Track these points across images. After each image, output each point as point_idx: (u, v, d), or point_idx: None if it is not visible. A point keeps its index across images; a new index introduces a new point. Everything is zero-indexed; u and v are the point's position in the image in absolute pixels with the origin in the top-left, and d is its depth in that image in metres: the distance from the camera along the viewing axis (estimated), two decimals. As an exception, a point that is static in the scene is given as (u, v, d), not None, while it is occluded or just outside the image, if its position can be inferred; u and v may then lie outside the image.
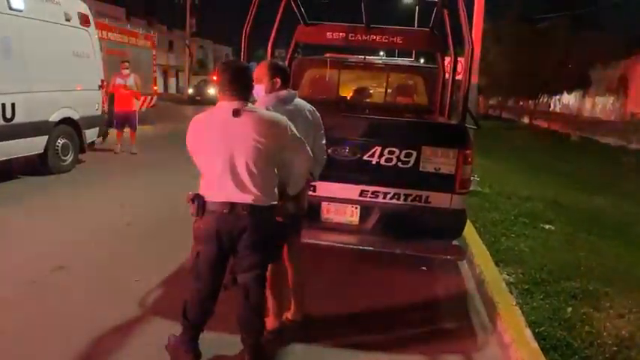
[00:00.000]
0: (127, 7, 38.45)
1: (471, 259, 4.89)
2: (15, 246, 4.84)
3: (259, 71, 3.14)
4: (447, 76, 5.53)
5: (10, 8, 6.97)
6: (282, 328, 3.34)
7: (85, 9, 8.79)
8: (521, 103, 30.75)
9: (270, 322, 3.29)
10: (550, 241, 5.45)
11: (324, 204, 4.18)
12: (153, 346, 3.08)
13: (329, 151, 3.98)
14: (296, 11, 5.30)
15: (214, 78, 18.36)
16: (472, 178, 8.33)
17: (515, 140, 18.77)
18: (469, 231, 5.68)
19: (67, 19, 8.15)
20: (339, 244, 4.05)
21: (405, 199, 4.07)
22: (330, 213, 4.20)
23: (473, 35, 7.79)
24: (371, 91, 6.37)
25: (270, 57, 5.05)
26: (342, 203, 4.18)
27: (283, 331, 3.31)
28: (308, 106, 3.26)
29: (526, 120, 28.65)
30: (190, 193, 2.75)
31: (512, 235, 5.58)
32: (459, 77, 11.50)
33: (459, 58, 10.67)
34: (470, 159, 4.02)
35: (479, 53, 7.96)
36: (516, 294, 3.97)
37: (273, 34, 5.11)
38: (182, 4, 37.47)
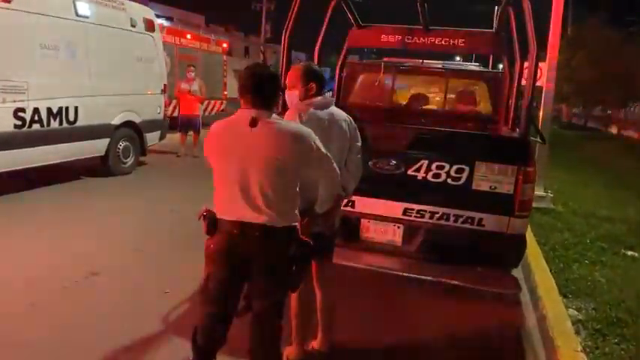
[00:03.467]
0: (207, 14, 40.04)
1: (533, 288, 4.34)
2: (54, 248, 4.87)
3: (292, 76, 2.87)
4: (522, 82, 4.98)
5: (77, 15, 7.21)
6: (307, 359, 3.02)
7: (150, 15, 8.99)
8: (608, 111, 28.53)
9: (294, 351, 3.01)
10: (632, 271, 4.75)
11: (363, 221, 3.83)
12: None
13: (370, 163, 3.66)
14: (347, 13, 4.99)
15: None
16: (546, 193, 7.65)
17: (599, 152, 17.27)
18: (534, 254, 5.10)
19: (132, 25, 8.34)
20: (377, 269, 3.67)
21: (454, 221, 3.63)
22: (370, 232, 3.85)
23: (550, 38, 7.17)
24: (428, 98, 5.92)
25: (317, 62, 4.78)
26: (383, 222, 3.81)
27: (307, 363, 2.99)
28: (344, 115, 2.94)
29: (614, 130, 26.50)
30: (204, 208, 2.52)
31: (586, 262, 4.94)
32: (536, 84, 10.65)
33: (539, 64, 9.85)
34: (532, 177, 3.52)
35: (556, 57, 7.24)
36: (584, 335, 3.41)
37: (320, 38, 4.83)
38: (258, 11, 38.35)
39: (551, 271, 4.67)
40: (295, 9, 3.92)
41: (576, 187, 9.24)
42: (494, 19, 4.91)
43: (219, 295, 2.50)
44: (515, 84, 4.37)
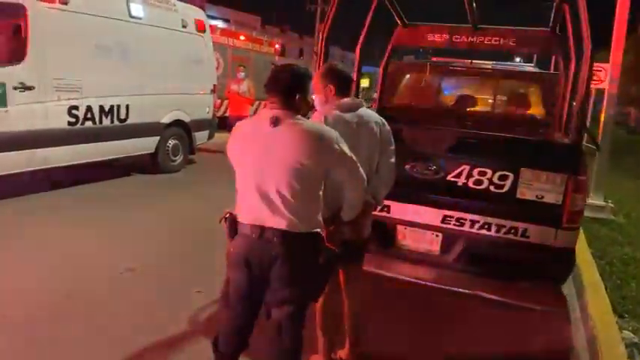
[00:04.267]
0: (263, 15, 40.65)
1: (584, 306, 4.02)
2: (97, 241, 5.00)
3: (314, 80, 2.77)
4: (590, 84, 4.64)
5: (130, 16, 7.43)
6: (332, 369, 2.91)
7: (201, 16, 9.15)
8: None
9: (319, 360, 2.89)
10: (699, 292, 4.33)
11: (399, 227, 3.67)
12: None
13: (407, 167, 3.50)
14: (392, 12, 4.83)
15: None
16: (605, 203, 7.16)
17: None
18: (589, 269, 4.75)
19: (184, 26, 8.50)
20: (412, 279, 3.48)
21: (496, 231, 3.40)
22: (407, 239, 3.68)
23: (615, 37, 6.70)
24: (476, 100, 5.64)
25: (358, 62, 4.65)
26: (421, 229, 3.63)
27: (332, 374, 2.88)
28: (376, 117, 2.80)
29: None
30: (226, 211, 2.45)
31: (648, 280, 4.55)
32: (598, 86, 10.07)
33: (601, 65, 9.33)
34: (583, 187, 3.24)
35: (620, 57, 6.76)
36: (639, 361, 3.11)
37: (361, 38, 4.69)
38: (313, 12, 38.51)
39: (606, 288, 4.33)
40: (333, 9, 3.81)
41: (642, 197, 8.63)
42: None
43: (239, 300, 2.43)
44: (570, 86, 4.06)
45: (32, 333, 3.22)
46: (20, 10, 5.90)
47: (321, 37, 3.81)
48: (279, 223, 2.25)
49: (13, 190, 6.33)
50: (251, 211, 2.30)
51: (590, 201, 7.24)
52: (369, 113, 2.79)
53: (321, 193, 2.35)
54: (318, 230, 2.36)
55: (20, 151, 6.01)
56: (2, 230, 5.12)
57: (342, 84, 2.71)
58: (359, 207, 2.52)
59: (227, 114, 11.87)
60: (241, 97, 10.45)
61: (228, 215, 2.42)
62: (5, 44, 6.05)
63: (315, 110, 2.78)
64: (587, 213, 6.94)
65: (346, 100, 2.72)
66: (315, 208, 2.34)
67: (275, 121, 2.23)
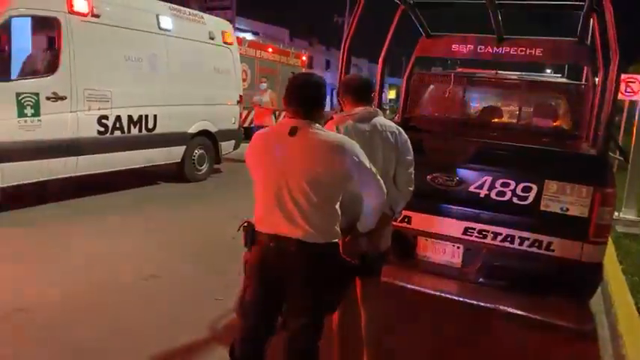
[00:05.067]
0: (291, 28, 41.12)
1: (613, 324, 3.88)
2: (124, 246, 5.09)
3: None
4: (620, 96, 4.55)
5: (160, 28, 7.62)
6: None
7: (228, 28, 9.31)
8: None
9: (336, 375, 2.86)
10: None
11: (420, 239, 3.62)
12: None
13: (428, 177, 3.46)
14: (416, 22, 4.82)
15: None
16: (639, 218, 6.91)
17: None
18: (619, 286, 4.59)
19: (211, 38, 8.66)
20: (432, 292, 3.43)
21: (519, 244, 3.32)
22: (427, 250, 3.62)
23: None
24: (502, 111, 5.56)
25: (381, 73, 4.65)
26: (442, 240, 3.58)
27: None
28: (392, 126, 2.77)
29: None
30: (244, 219, 2.47)
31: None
32: (633, 97, 9.77)
33: (635, 76, 9.07)
34: (610, 199, 3.15)
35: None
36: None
37: (384, 49, 4.69)
38: (340, 25, 38.74)
39: (636, 305, 4.17)
40: (355, 21, 3.82)
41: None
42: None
43: (256, 309, 2.42)
44: (598, 96, 3.97)
45: (57, 337, 3.29)
46: (54, 23, 6.12)
47: (342, 47, 3.82)
48: (297, 233, 2.24)
49: (42, 197, 6.51)
50: (269, 221, 2.31)
51: (622, 215, 7.02)
52: (384, 122, 2.77)
53: (338, 204, 2.35)
54: (336, 241, 2.36)
55: (52, 159, 6.20)
56: (30, 235, 5.26)
57: (358, 94, 2.71)
58: (376, 218, 2.49)
59: (252, 124, 12.02)
60: (263, 107, 10.57)
61: (246, 224, 2.43)
62: (40, 56, 6.27)
63: (330, 119, 2.79)
64: (619, 228, 6.75)
65: (360, 109, 2.72)
66: (332, 219, 2.32)
67: (294, 131, 2.24)
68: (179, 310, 3.80)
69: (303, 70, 19.23)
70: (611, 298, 4.31)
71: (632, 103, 11.06)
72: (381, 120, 2.75)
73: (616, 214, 6.34)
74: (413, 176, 2.82)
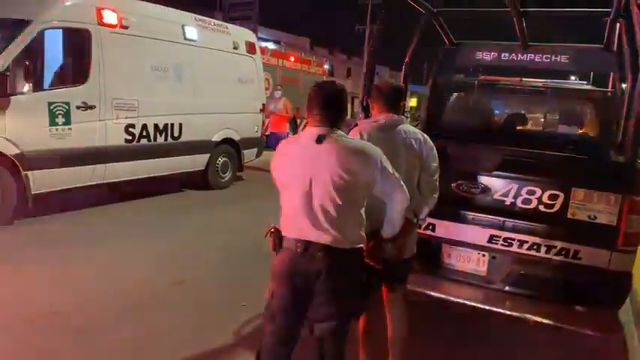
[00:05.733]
0: (312, 37, 41.34)
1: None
2: (151, 252, 5.19)
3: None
4: None
5: (185, 38, 7.78)
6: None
7: (252, 38, 9.44)
8: None
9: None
10: None
11: (445, 247, 3.62)
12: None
13: (453, 185, 3.46)
14: (440, 30, 4.83)
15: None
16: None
17: None
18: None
19: (235, 47, 8.80)
20: (457, 299, 3.42)
21: (546, 252, 3.30)
22: (452, 258, 3.62)
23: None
24: (527, 119, 5.52)
25: (404, 82, 4.67)
26: (467, 248, 3.57)
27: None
28: (417, 134, 2.80)
29: None
30: (272, 225, 2.51)
31: None
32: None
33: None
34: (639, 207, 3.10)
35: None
36: None
37: (407, 57, 4.71)
38: (361, 33, 38.80)
39: (667, 316, 4.08)
40: (380, 30, 3.86)
41: None
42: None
43: (282, 314, 2.45)
44: (626, 103, 3.92)
45: (91, 340, 3.37)
46: (85, 35, 6.31)
47: (367, 56, 3.86)
48: (323, 238, 2.28)
49: (71, 203, 6.67)
50: (296, 226, 2.35)
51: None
52: (409, 129, 2.80)
53: (363, 210, 2.38)
54: (361, 246, 2.39)
55: (81, 167, 6.36)
56: (60, 241, 5.40)
57: (388, 102, 2.75)
58: (399, 224, 2.51)
59: (267, 132, 12.14)
60: (277, 114, 10.67)
61: (273, 229, 2.48)
62: (70, 66, 6.45)
63: (355, 126, 2.83)
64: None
65: (385, 116, 2.76)
66: (358, 224, 2.36)
67: (320, 139, 2.28)
68: (205, 316, 3.86)
69: (325, 79, 19.37)
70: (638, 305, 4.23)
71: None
72: (405, 127, 2.78)
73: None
74: (437, 183, 2.84)
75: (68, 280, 4.37)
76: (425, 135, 2.82)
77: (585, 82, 7.69)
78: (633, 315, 4.25)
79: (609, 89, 5.25)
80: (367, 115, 3.52)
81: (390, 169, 2.34)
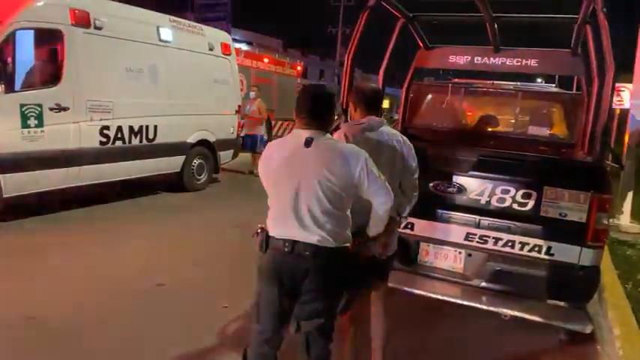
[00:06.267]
0: (285, 38, 41.32)
1: (610, 326, 3.98)
2: (127, 257, 5.15)
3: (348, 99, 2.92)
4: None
5: (160, 40, 7.72)
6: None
7: (227, 39, 9.42)
8: None
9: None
10: None
11: (422, 245, 3.73)
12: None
13: (430, 185, 3.57)
14: (415, 34, 4.95)
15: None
16: (632, 225, 7.05)
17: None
18: (615, 291, 4.70)
19: (210, 49, 8.77)
20: (435, 296, 3.53)
21: (520, 249, 3.43)
22: (430, 256, 3.73)
23: (638, 56, 6.70)
24: (498, 120, 5.69)
25: (382, 85, 4.76)
26: (444, 246, 3.68)
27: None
28: (398, 135, 2.89)
29: None
30: (258, 225, 2.56)
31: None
32: (622, 106, 9.91)
33: (624, 85, 9.19)
34: (607, 205, 3.26)
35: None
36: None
37: (384, 61, 4.81)
38: (334, 35, 38.99)
39: (633, 309, 4.28)
40: (358, 32, 3.94)
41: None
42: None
43: (269, 312, 2.50)
44: (593, 106, 4.10)
45: (68, 345, 3.34)
46: (58, 35, 6.20)
47: (347, 59, 3.94)
48: (311, 238, 2.34)
49: (44, 207, 6.55)
50: (283, 226, 2.40)
51: (616, 222, 7.16)
52: (390, 132, 2.88)
53: (349, 210, 2.45)
54: (348, 245, 2.46)
55: (55, 170, 6.25)
56: (33, 246, 5.30)
57: (370, 104, 2.82)
58: (384, 224, 2.59)
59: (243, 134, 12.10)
60: (248, 117, 10.64)
61: (260, 230, 2.52)
62: (43, 68, 6.34)
63: (338, 129, 2.90)
64: (613, 234, 6.88)
65: (367, 118, 2.83)
66: (344, 224, 2.43)
67: (308, 142, 2.34)
68: (187, 318, 3.84)
69: (299, 80, 19.41)
70: (608, 301, 4.42)
71: (622, 112, 11.29)
72: (387, 129, 2.86)
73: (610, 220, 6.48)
74: (417, 182, 2.93)
75: (45, 284, 4.31)
76: (404, 136, 2.91)
77: (553, 85, 7.96)
78: (601, 308, 4.45)
79: (577, 92, 5.46)
80: (347, 117, 3.59)
81: (376, 170, 2.40)
